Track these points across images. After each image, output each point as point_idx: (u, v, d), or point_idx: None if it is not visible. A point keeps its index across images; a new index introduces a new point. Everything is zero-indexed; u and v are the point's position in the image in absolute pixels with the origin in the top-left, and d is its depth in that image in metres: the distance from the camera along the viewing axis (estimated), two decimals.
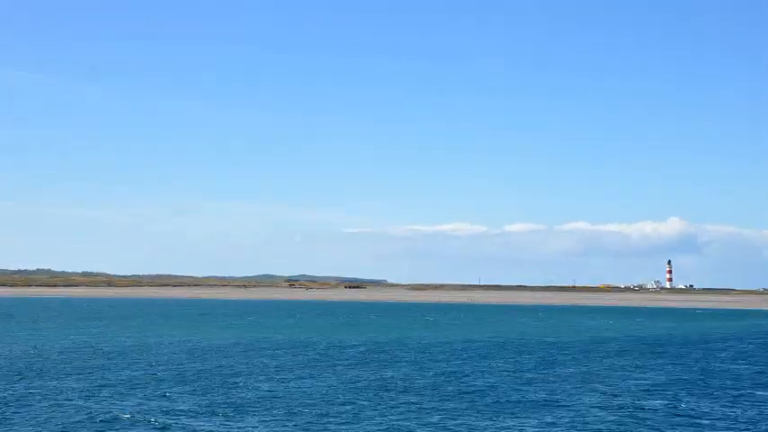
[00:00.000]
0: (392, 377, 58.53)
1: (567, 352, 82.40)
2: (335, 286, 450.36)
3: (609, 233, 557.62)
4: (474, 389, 53.30)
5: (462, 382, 56.37)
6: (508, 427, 40.49)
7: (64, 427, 39.18)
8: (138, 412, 42.62)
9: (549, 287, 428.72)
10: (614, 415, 44.30)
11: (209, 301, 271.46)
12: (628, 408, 46.42)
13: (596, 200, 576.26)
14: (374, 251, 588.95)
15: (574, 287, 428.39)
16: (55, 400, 46.41)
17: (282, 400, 47.65)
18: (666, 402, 49.26)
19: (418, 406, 45.89)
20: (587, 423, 41.99)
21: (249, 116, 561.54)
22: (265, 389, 51.67)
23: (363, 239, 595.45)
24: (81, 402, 45.51)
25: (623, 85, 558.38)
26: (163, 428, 39.22)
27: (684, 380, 60.72)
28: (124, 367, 62.61)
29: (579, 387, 55.14)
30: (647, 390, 54.26)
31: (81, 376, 56.71)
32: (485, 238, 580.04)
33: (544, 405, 47.00)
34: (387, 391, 51.77)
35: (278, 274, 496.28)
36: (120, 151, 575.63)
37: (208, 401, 46.62)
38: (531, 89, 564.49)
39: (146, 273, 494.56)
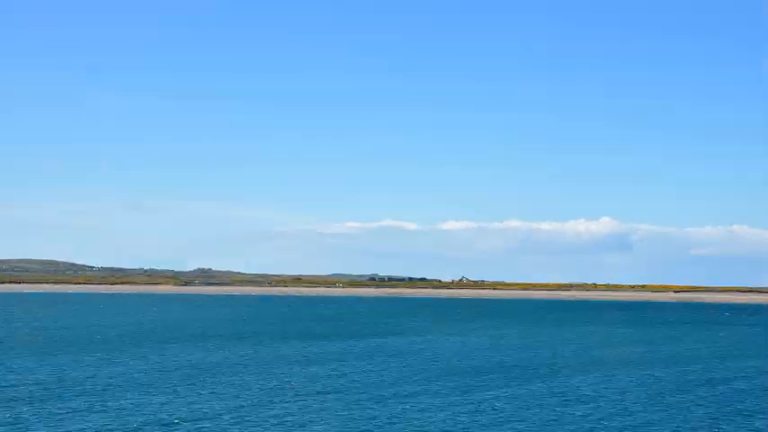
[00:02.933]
0: None
1: None
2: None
3: (543, 231, 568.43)
4: None
5: None
6: None
7: None
8: None
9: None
10: None
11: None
12: None
13: (530, 198, 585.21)
14: (307, 249, 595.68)
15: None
16: None
17: None
18: None
19: None
20: None
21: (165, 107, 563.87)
22: None
23: (297, 237, 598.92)
24: None
25: (553, 87, 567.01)
26: None
27: None
28: None
29: None
30: None
31: None
32: (419, 236, 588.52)
33: None
34: None
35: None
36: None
37: None
38: (463, 89, 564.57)
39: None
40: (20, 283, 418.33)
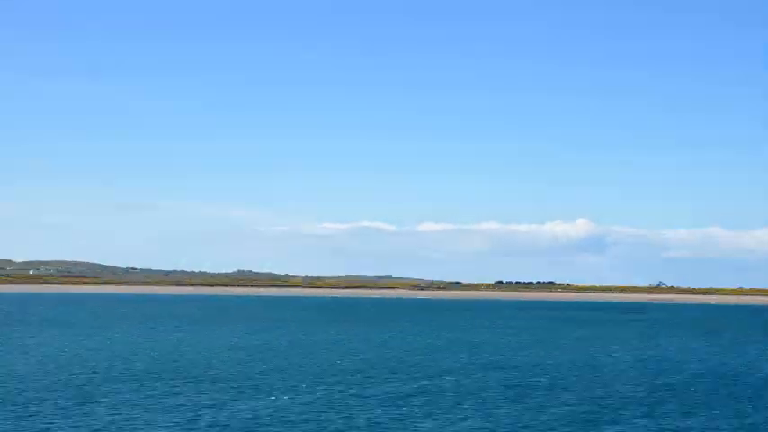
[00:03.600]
0: None
1: None
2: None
3: (520, 233, 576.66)
4: None
5: None
6: None
7: None
8: None
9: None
10: None
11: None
12: None
13: (507, 201, 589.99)
14: (292, 248, 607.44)
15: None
16: None
17: None
18: None
19: None
20: None
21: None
22: None
23: (271, 238, 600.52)
24: None
25: (532, 85, 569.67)
26: None
27: None
28: None
29: None
30: None
31: None
32: (395, 237, 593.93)
33: None
34: None
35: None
36: None
37: None
38: (443, 88, 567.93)
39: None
40: (73, 284, 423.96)
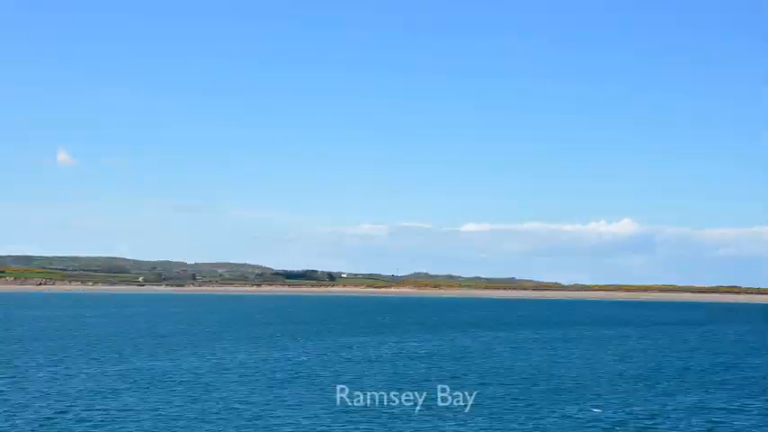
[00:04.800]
0: None
1: None
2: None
3: (563, 233, 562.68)
4: None
5: None
6: None
7: None
8: None
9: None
10: None
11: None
12: None
13: (551, 200, 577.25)
14: (324, 250, 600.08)
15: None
16: None
17: None
18: None
19: None
20: None
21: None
22: None
23: (313, 238, 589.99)
24: None
25: (575, 87, 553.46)
26: None
27: None
28: None
29: None
30: None
31: None
32: (438, 237, 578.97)
33: None
34: None
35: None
36: None
37: None
38: (484, 89, 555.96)
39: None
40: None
